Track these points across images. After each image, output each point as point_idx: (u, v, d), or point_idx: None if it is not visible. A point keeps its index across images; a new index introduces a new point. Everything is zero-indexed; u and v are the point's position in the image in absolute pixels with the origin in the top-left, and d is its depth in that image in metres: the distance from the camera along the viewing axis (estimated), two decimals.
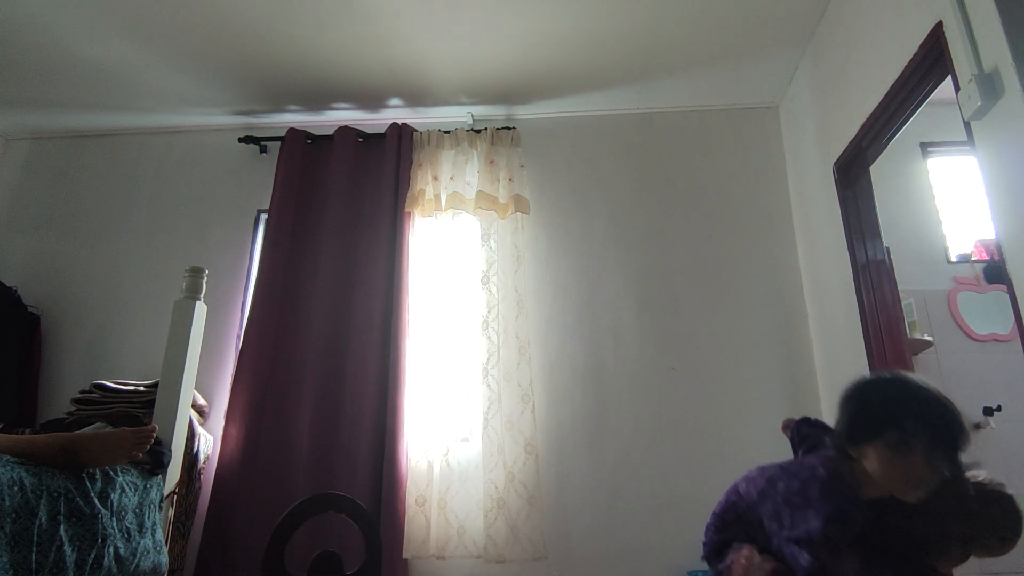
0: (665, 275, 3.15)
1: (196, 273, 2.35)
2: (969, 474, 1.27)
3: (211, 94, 3.32)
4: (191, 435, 2.58)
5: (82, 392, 2.58)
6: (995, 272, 3.17)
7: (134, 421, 2.33)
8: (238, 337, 3.14)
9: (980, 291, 3.25)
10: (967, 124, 1.85)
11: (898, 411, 1.20)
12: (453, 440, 2.88)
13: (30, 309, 3.16)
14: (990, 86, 1.72)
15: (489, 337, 2.95)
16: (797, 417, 1.64)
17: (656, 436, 2.90)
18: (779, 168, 3.31)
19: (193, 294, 2.32)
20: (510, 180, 3.17)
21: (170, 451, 2.13)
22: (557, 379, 3.02)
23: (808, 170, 3.06)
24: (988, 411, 3.00)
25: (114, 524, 1.76)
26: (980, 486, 1.27)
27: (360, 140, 3.35)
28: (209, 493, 2.75)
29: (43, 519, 1.52)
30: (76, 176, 3.56)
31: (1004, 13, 1.69)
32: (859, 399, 1.28)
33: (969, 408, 3.00)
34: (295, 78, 3.19)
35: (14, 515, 1.45)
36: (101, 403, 2.50)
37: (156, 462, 2.03)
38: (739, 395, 2.94)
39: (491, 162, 3.21)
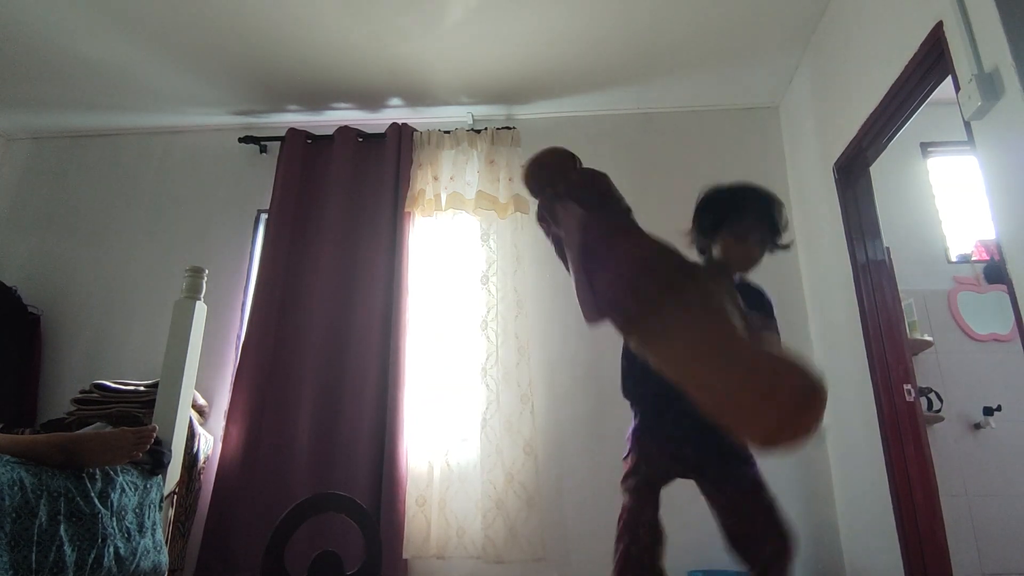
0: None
1: (196, 273, 2.35)
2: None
3: (211, 94, 3.32)
4: (191, 435, 2.58)
5: (82, 392, 2.58)
6: (995, 272, 3.17)
7: (134, 421, 2.33)
8: (238, 337, 3.13)
9: (980, 291, 3.25)
10: (967, 124, 1.85)
11: (732, 211, 1.55)
12: (453, 441, 2.88)
13: (30, 309, 3.16)
14: (990, 86, 1.71)
15: (488, 337, 2.95)
16: None
17: None
18: (779, 168, 3.31)
19: (193, 294, 2.32)
20: (510, 180, 3.17)
21: (170, 451, 2.13)
22: (557, 379, 3.01)
23: (808, 170, 3.05)
24: (988, 411, 2.99)
25: (114, 524, 1.76)
26: None
27: (360, 140, 3.35)
28: (209, 493, 2.76)
29: (43, 519, 1.52)
30: (76, 176, 3.56)
31: (1004, 13, 1.69)
32: (704, 206, 1.63)
33: (969, 408, 3.04)
34: (295, 78, 3.19)
35: (14, 515, 1.45)
36: (101, 403, 2.50)
37: (156, 462, 2.03)
38: None
39: (491, 162, 3.21)
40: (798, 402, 1.12)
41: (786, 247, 1.58)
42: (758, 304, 1.60)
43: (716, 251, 1.56)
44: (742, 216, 1.53)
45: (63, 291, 3.28)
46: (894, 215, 3.12)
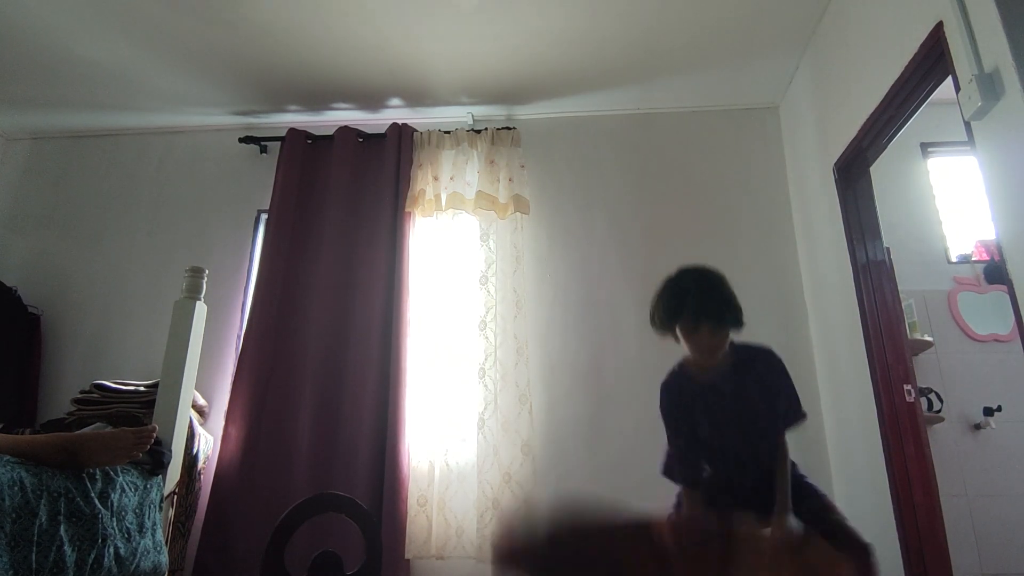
0: (665, 275, 3.15)
1: (196, 273, 2.35)
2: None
3: (211, 94, 3.32)
4: (191, 435, 2.58)
5: (82, 392, 2.58)
6: (995, 272, 3.17)
7: (134, 421, 2.33)
8: (238, 337, 3.13)
9: (980, 291, 3.25)
10: (967, 124, 1.85)
11: (676, 303, 1.55)
12: (452, 441, 2.88)
13: (30, 309, 3.16)
14: (990, 86, 1.72)
15: (487, 337, 2.95)
16: None
17: (656, 437, 2.89)
18: (779, 168, 3.31)
19: (193, 294, 2.32)
20: (510, 180, 3.17)
21: (170, 451, 2.13)
22: (556, 379, 3.01)
23: (808, 170, 3.05)
24: (988, 411, 2.99)
25: (114, 524, 1.76)
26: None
27: (360, 140, 3.35)
28: (209, 493, 2.75)
29: (43, 519, 1.52)
30: (76, 176, 3.55)
31: (1004, 13, 1.69)
32: (656, 302, 1.61)
33: (969, 408, 3.04)
34: (295, 78, 3.19)
35: (14, 515, 1.45)
36: (101, 403, 2.50)
37: (156, 462, 2.03)
38: None
39: (491, 162, 3.21)
40: None
41: (740, 326, 1.58)
42: (765, 371, 1.58)
43: (681, 343, 1.55)
44: (683, 308, 1.53)
45: (63, 291, 3.28)
46: (894, 215, 3.12)
